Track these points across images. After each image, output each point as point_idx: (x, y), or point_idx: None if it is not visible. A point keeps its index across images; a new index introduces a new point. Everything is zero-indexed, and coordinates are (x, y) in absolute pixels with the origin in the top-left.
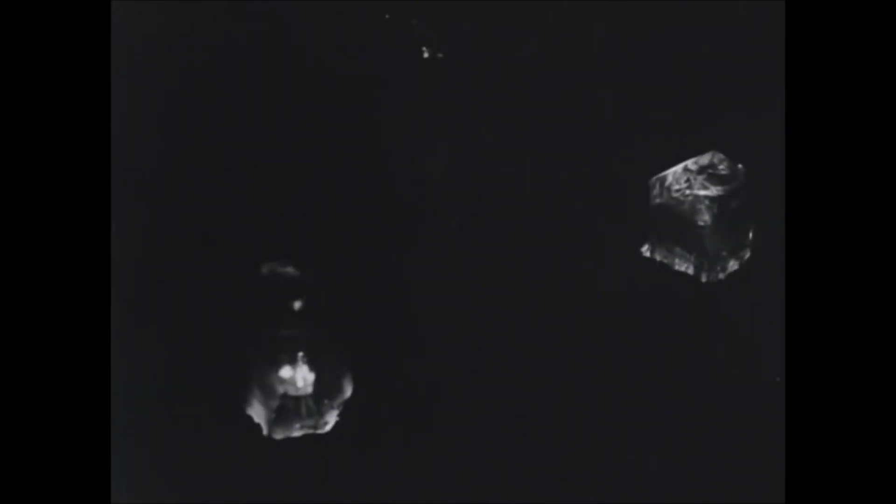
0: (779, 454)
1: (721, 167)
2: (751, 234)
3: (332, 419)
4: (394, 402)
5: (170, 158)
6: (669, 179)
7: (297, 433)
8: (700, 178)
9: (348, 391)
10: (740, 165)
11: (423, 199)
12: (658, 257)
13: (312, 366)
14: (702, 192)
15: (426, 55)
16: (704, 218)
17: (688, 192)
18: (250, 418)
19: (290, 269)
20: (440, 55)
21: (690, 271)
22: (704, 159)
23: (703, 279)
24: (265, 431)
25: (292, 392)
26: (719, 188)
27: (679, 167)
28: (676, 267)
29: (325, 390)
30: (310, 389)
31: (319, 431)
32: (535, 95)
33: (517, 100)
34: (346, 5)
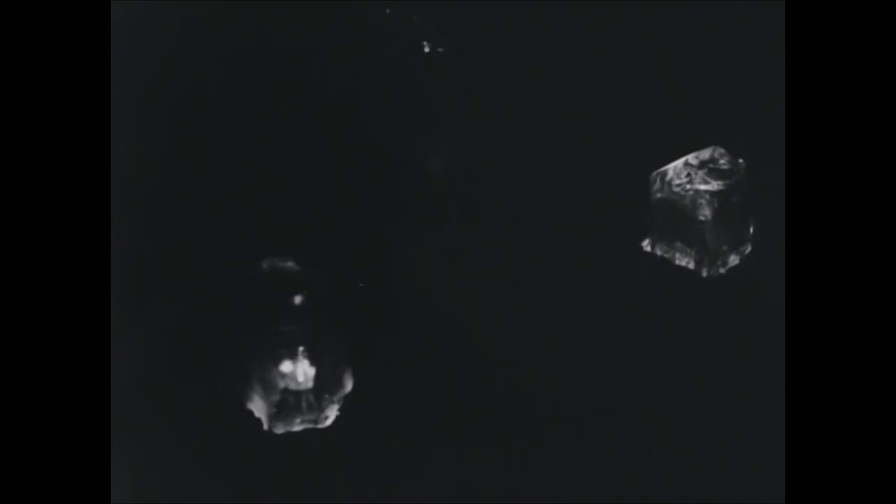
0: (779, 454)
1: (722, 162)
2: (751, 229)
3: (332, 414)
4: (394, 397)
5: (169, 157)
6: (670, 174)
7: (297, 428)
8: (701, 172)
9: (349, 386)
10: (741, 160)
11: (422, 195)
12: (659, 252)
13: (313, 360)
14: (702, 187)
15: (427, 50)
16: (705, 213)
17: (688, 186)
18: (251, 413)
19: (290, 264)
20: (440, 50)
21: (691, 266)
22: (705, 154)
23: (704, 273)
24: (266, 426)
25: (293, 387)
26: (720, 183)
27: (680, 162)
28: (677, 261)
29: (325, 385)
30: (310, 384)
31: (320, 426)
32: (535, 91)
33: (517, 95)
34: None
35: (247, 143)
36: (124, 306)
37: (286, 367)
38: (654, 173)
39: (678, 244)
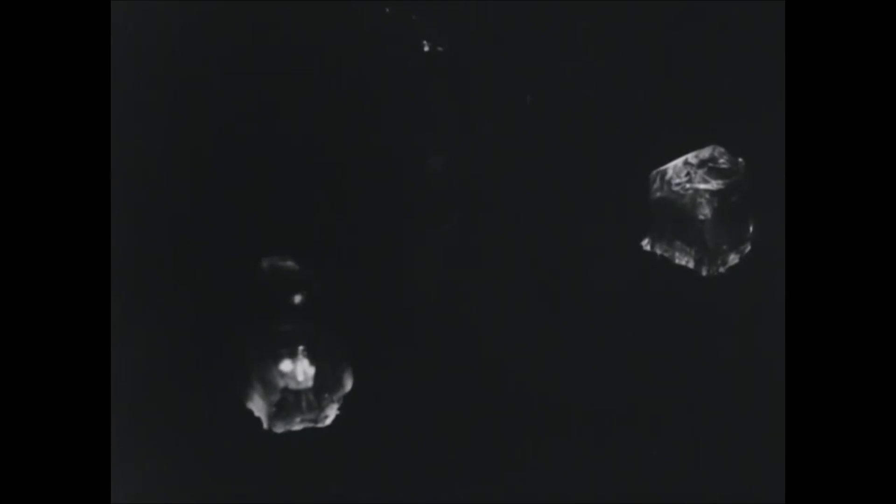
0: (779, 454)
1: (721, 161)
2: (751, 228)
3: (332, 413)
4: (394, 397)
5: (170, 157)
6: (670, 173)
7: (297, 427)
8: (700, 171)
9: (348, 385)
10: (741, 159)
11: (422, 195)
12: (658, 251)
13: (313, 360)
14: (702, 186)
15: (426, 50)
16: (705, 212)
17: (688, 185)
18: (251, 412)
19: (290, 263)
20: (440, 49)
21: (691, 265)
22: (705, 153)
23: (704, 273)
24: (265, 425)
25: (293, 386)
26: (720, 182)
27: (679, 161)
28: (677, 261)
29: (325, 384)
30: (310, 383)
31: (320, 425)
32: (535, 90)
33: (517, 96)
34: (345, 3)
35: (247, 143)
36: (124, 306)
37: (286, 366)
38: (654, 172)
39: (678, 243)
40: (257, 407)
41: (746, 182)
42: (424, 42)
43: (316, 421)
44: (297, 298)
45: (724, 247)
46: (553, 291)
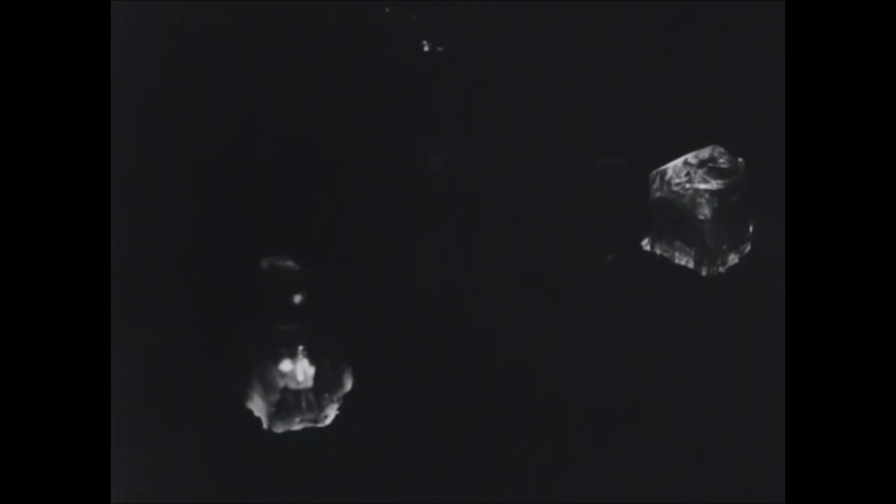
0: (779, 454)
1: (721, 161)
2: (751, 228)
3: (332, 413)
4: (394, 397)
5: (170, 157)
6: (669, 173)
7: (297, 427)
8: (700, 171)
9: (348, 385)
10: (741, 159)
11: (423, 195)
12: (658, 251)
13: (313, 360)
14: (702, 186)
15: (426, 50)
16: (704, 212)
17: (688, 185)
18: (250, 412)
19: (290, 263)
20: (440, 49)
21: (691, 265)
22: (705, 153)
23: (704, 273)
24: (265, 425)
25: (292, 386)
26: (719, 182)
27: (679, 161)
28: (677, 261)
29: (325, 384)
30: (310, 383)
31: (319, 425)
32: (535, 90)
33: (517, 96)
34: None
35: (247, 143)
36: (124, 307)
37: (286, 366)
38: (654, 172)
39: (678, 243)
40: (257, 407)
41: (746, 182)
42: (424, 42)
43: (316, 421)
44: (297, 298)
45: (724, 247)
46: (553, 291)
